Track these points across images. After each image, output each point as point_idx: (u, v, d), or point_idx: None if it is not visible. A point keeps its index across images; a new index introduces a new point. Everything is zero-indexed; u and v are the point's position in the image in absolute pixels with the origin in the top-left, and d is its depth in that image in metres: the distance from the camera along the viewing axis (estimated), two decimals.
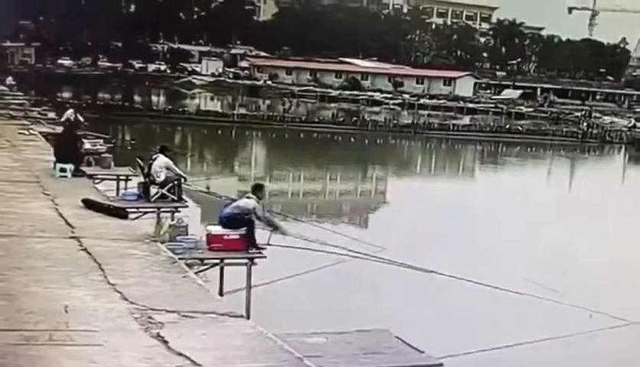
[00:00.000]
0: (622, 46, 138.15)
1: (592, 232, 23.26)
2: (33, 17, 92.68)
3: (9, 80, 48.82)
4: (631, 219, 25.84)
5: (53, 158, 17.27)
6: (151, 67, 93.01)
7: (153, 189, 15.26)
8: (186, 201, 16.02)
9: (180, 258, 10.76)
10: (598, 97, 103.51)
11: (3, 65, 72.69)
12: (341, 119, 55.69)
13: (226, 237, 11.93)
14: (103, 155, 20.21)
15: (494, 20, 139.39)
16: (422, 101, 79.88)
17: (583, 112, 72.33)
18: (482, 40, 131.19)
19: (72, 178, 16.51)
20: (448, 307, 14.77)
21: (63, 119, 26.20)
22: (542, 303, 15.14)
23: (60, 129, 22.23)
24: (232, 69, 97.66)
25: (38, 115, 31.02)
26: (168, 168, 15.46)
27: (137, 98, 66.61)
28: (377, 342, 9.80)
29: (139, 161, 16.47)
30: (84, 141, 20.63)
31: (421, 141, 50.36)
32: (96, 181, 17.43)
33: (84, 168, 17.76)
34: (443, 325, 13.50)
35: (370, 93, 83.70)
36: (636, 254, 20.38)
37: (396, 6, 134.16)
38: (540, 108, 79.89)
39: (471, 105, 78.71)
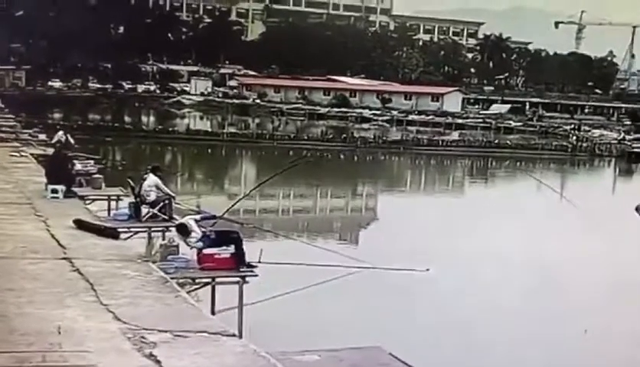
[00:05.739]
0: (609, 59, 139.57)
1: (583, 244, 23.44)
2: (23, 40, 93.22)
3: None
4: (622, 232, 26.07)
5: (45, 180, 17.32)
6: (141, 88, 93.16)
7: (144, 209, 15.30)
8: (177, 220, 16.03)
9: (172, 278, 10.78)
10: (586, 110, 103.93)
11: None
12: (330, 136, 55.91)
13: (217, 256, 11.94)
14: (94, 176, 20.20)
15: (480, 35, 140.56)
16: (410, 117, 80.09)
17: (572, 126, 72.70)
18: (469, 55, 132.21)
19: (63, 199, 16.55)
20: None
21: (54, 141, 26.24)
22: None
23: (51, 151, 22.28)
24: (221, 89, 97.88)
25: (29, 137, 31.15)
26: (157, 188, 15.51)
27: (127, 118, 66.76)
28: (370, 359, 9.85)
29: (130, 181, 16.53)
30: (75, 162, 20.63)
31: (410, 157, 50.56)
32: (88, 202, 17.47)
33: (75, 189, 17.81)
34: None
35: (358, 110, 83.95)
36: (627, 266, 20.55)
37: (382, 24, 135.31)
38: (529, 123, 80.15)
39: (459, 121, 78.97)
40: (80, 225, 13.43)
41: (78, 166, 20.70)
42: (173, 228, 13.36)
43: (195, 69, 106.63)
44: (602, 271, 20.01)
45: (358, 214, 31.36)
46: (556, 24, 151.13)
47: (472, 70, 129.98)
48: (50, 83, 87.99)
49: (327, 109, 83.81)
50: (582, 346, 14.16)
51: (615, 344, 14.28)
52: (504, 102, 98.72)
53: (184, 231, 12.32)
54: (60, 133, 26.77)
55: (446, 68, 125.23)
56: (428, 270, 16.06)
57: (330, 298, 15.30)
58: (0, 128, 33.28)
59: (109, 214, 16.96)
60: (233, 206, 15.79)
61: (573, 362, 13.49)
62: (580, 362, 13.57)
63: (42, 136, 31.75)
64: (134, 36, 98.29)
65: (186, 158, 46.41)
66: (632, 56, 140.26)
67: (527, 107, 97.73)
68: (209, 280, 12.03)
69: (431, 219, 27.34)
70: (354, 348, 10.32)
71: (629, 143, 59.18)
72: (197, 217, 13.04)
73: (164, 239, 13.70)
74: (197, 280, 11.91)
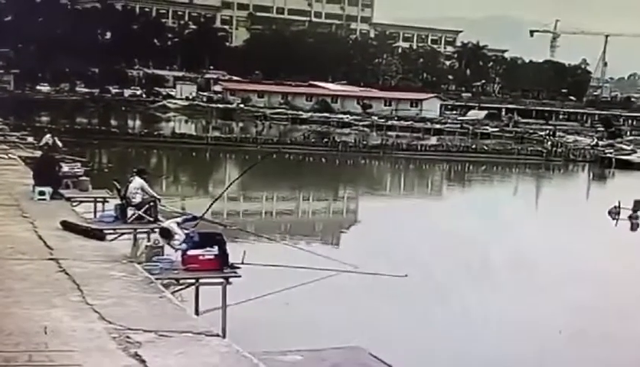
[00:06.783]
0: (582, 67, 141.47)
1: (557, 246, 23.92)
2: (12, 44, 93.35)
3: None
4: (596, 234, 26.63)
5: (32, 182, 17.41)
6: (127, 92, 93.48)
7: (130, 211, 15.42)
8: (162, 222, 16.20)
9: (156, 279, 10.89)
10: (561, 117, 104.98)
11: None
12: (313, 140, 56.32)
13: (201, 257, 12.10)
14: (81, 178, 20.19)
15: (458, 43, 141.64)
16: (390, 122, 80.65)
17: (547, 132, 73.61)
18: (447, 63, 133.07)
19: (51, 201, 16.65)
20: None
21: (41, 143, 26.39)
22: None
23: (38, 153, 22.38)
24: (205, 93, 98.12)
25: (17, 140, 31.30)
26: (142, 190, 15.67)
27: (113, 122, 66.91)
28: (351, 359, 10.08)
29: (116, 184, 16.67)
30: (62, 164, 20.67)
31: (390, 161, 50.96)
32: (74, 204, 17.52)
33: (62, 191, 17.88)
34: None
35: (340, 115, 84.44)
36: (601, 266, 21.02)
37: (363, 31, 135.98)
38: (505, 128, 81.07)
39: (437, 126, 79.68)
40: (67, 226, 13.51)
41: (65, 168, 20.64)
42: (157, 231, 13.56)
43: (180, 74, 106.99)
44: (578, 271, 20.43)
45: (340, 217, 31.61)
46: (532, 32, 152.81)
47: (450, 77, 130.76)
48: (38, 87, 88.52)
49: (309, 114, 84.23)
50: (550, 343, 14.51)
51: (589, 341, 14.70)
52: (481, 108, 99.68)
53: (167, 234, 12.54)
54: (48, 136, 27.01)
55: (425, 75, 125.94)
56: (406, 275, 16.32)
57: (310, 299, 15.54)
58: None
59: (95, 216, 17.01)
60: (210, 206, 16.09)
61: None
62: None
63: (30, 139, 31.94)
64: (121, 41, 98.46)
65: (171, 161, 46.55)
66: (605, 64, 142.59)
67: (504, 113, 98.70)
68: (193, 280, 12.18)
69: (410, 221, 27.69)
70: (335, 348, 10.53)
71: (602, 149, 60.10)
72: (179, 220, 13.25)
73: (149, 241, 13.86)
74: (181, 281, 12.05)
